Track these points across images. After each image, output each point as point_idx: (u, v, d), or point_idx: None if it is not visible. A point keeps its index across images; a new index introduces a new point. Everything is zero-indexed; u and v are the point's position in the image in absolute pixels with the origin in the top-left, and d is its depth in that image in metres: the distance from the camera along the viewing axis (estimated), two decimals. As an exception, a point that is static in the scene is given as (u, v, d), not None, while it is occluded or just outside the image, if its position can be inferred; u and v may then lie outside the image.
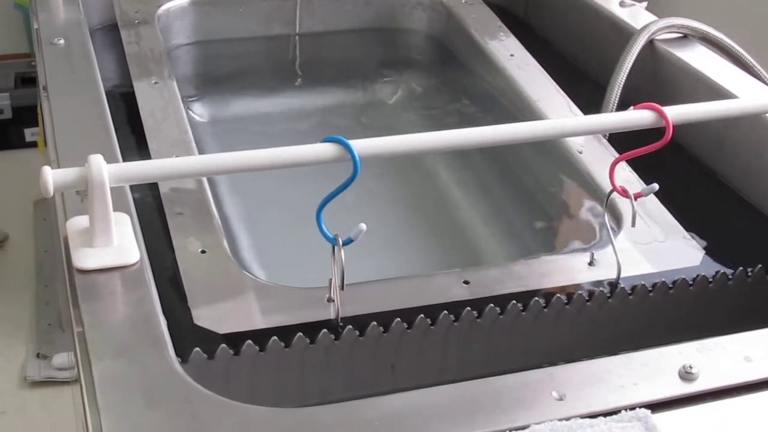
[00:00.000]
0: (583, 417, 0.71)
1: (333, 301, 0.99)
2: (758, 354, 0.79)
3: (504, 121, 1.40)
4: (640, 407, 0.73)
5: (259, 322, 0.96)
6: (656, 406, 0.74)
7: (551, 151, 1.25)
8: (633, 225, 1.03)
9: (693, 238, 1.10)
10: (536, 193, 1.30)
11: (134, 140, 1.23)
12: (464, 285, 1.03)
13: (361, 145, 0.91)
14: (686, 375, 0.76)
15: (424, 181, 1.35)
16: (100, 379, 0.75)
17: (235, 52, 1.55)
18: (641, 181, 1.16)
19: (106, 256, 0.86)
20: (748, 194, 1.20)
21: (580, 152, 1.24)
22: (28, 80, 3.06)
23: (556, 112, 1.31)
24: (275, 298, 0.99)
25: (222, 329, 0.95)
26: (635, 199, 1.02)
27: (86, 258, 0.85)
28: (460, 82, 1.55)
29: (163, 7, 1.48)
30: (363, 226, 0.93)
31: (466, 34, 1.52)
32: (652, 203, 1.13)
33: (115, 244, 0.87)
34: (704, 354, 0.79)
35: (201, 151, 1.23)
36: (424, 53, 1.64)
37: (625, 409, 0.72)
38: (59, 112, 1.10)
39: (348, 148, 0.90)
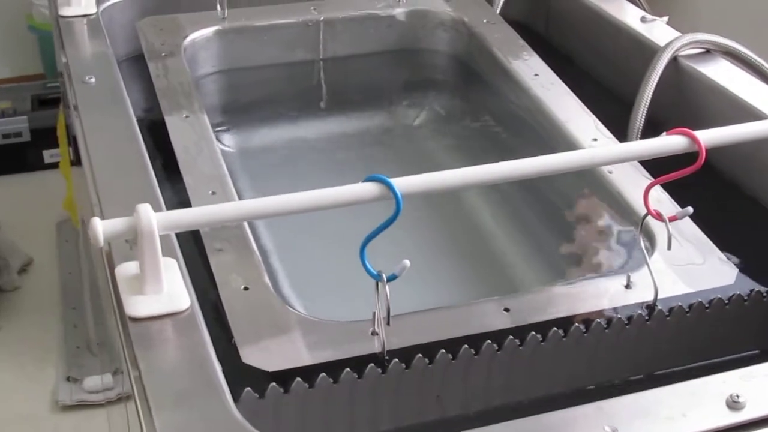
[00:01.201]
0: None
1: (377, 334, 1.00)
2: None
3: (533, 143, 1.44)
4: (692, 441, 0.75)
5: (306, 358, 0.98)
6: (706, 438, 0.75)
7: (582, 173, 1.27)
8: (669, 248, 1.05)
9: (727, 257, 1.12)
10: (567, 216, 1.31)
11: (168, 174, 1.24)
12: (504, 312, 1.04)
13: (403, 183, 0.92)
14: (734, 404, 0.78)
15: (454, 205, 1.37)
16: (162, 429, 0.76)
17: (261, 80, 1.57)
18: (672, 201, 1.17)
19: (158, 304, 0.87)
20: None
21: (611, 172, 1.25)
22: (45, 102, 3.09)
23: (584, 133, 1.32)
24: (320, 333, 1.01)
25: (270, 367, 0.96)
26: (670, 222, 1.04)
27: (138, 306, 0.87)
28: (484, 103, 1.57)
29: (189, 38, 1.50)
30: (407, 262, 0.94)
31: (489, 54, 1.53)
32: (685, 224, 1.14)
33: (165, 290, 0.89)
34: (748, 382, 0.81)
35: (233, 183, 1.24)
36: (447, 74, 1.65)
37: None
38: (98, 158, 1.12)
39: (390, 187, 0.92)
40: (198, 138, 1.28)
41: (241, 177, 1.41)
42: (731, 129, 1.02)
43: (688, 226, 1.14)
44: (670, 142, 1.00)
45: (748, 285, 1.09)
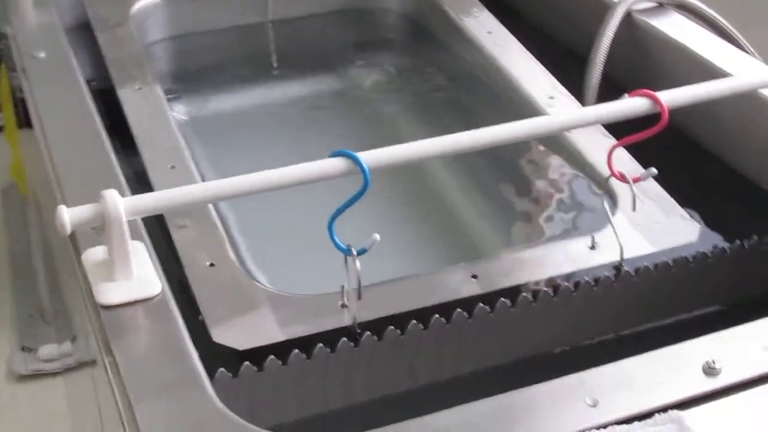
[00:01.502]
0: (618, 423, 0.74)
1: (347, 307, 1.00)
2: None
3: (488, 102, 1.44)
4: (671, 408, 0.75)
5: (278, 335, 0.97)
6: (685, 404, 0.76)
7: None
8: (634, 209, 1.05)
9: (690, 214, 1.13)
10: (529, 178, 1.31)
11: (125, 148, 1.22)
12: (472, 279, 1.05)
13: (370, 158, 0.92)
14: (710, 370, 0.79)
15: (416, 172, 1.36)
16: (143, 421, 0.76)
17: (211, 45, 1.54)
18: (634, 160, 1.17)
19: (129, 290, 0.86)
20: (738, 166, 1.22)
21: (570, 133, 1.25)
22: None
23: (540, 90, 1.32)
24: (289, 308, 1.00)
25: (242, 345, 0.96)
26: (634, 183, 1.04)
27: (109, 293, 0.86)
28: (437, 62, 1.56)
29: (137, 6, 1.47)
30: (377, 236, 0.94)
31: (441, 11, 1.52)
32: (647, 183, 1.15)
33: (135, 276, 0.87)
34: (723, 347, 0.82)
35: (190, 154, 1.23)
36: (398, 33, 1.64)
37: (658, 412, 0.74)
38: (55, 138, 1.10)
39: (357, 162, 0.91)
40: (152, 110, 1.26)
41: (197, 146, 1.39)
42: (692, 89, 1.03)
43: (650, 185, 1.15)
44: (632, 105, 1.01)
45: (711, 241, 1.11)
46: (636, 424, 0.73)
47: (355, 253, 0.95)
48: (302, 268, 1.19)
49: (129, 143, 1.22)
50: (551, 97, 1.31)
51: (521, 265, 1.07)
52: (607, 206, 1.08)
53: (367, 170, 0.91)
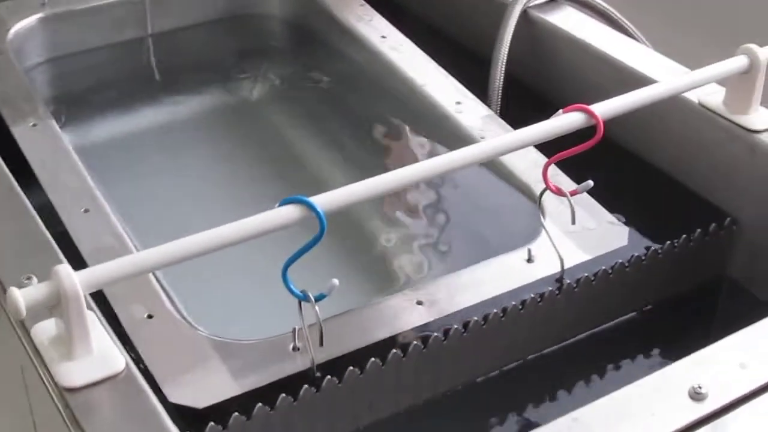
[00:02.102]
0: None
1: (298, 350, 0.98)
2: (749, 359, 0.84)
3: (391, 111, 1.42)
4: (666, 439, 0.76)
5: (234, 387, 0.94)
6: (679, 434, 0.78)
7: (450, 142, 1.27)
8: (573, 222, 1.06)
9: (618, 218, 1.14)
10: (458, 195, 1.30)
11: (29, 189, 1.15)
12: (419, 306, 1.04)
13: (324, 201, 0.89)
14: (696, 396, 0.80)
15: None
16: None
17: (92, 64, 1.47)
18: (560, 172, 1.18)
19: (92, 369, 0.81)
20: (658, 164, 1.24)
21: (482, 138, 1.25)
22: None
23: (445, 95, 1.31)
24: (239, 356, 0.97)
25: (199, 403, 0.92)
26: (571, 197, 1.05)
27: (71, 375, 0.80)
28: (330, 69, 1.52)
29: (12, 30, 1.38)
30: (335, 281, 0.92)
31: (328, 16, 1.49)
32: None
33: (96, 352, 0.82)
34: (702, 368, 0.83)
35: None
36: (283, 40, 1.59)
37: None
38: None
39: (311, 207, 0.88)
40: (52, 149, 1.19)
41: (93, 178, 1.33)
42: (624, 99, 1.03)
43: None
44: (568, 121, 1.00)
45: (643, 243, 1.13)
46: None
47: (313, 299, 0.92)
48: (240, 312, 1.15)
49: (33, 184, 1.15)
50: (458, 102, 1.30)
51: (464, 286, 1.06)
52: (542, 219, 1.08)
53: (322, 214, 0.88)
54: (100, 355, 0.83)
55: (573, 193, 1.05)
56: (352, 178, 1.32)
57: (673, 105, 1.16)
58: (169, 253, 0.85)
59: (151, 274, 1.04)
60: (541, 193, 1.07)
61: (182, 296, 1.06)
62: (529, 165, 1.20)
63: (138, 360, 0.95)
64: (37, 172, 1.15)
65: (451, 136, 1.27)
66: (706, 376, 0.82)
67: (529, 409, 1.06)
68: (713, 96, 1.16)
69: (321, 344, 0.95)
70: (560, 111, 1.02)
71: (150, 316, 1.00)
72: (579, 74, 1.35)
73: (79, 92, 1.46)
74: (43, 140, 1.20)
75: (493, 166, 1.21)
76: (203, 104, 1.52)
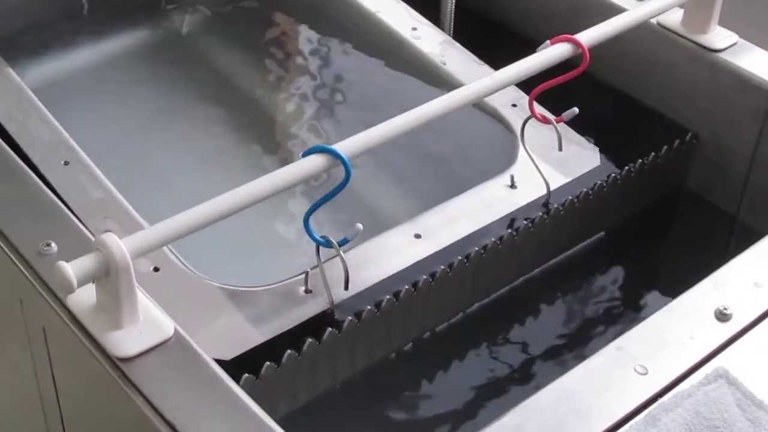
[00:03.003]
0: (669, 388, 0.79)
1: (310, 292, 0.99)
2: (762, 279, 0.90)
3: (344, 39, 1.41)
4: (706, 361, 0.82)
5: (256, 336, 0.95)
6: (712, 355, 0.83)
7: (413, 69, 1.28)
8: (560, 149, 1.09)
9: (588, 140, 1.18)
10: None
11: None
12: (417, 239, 1.06)
13: (348, 147, 0.90)
14: (722, 316, 0.85)
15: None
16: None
17: (22, 4, 1.40)
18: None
19: (143, 336, 0.80)
20: (621, 87, 1.28)
21: (444, 63, 1.27)
22: None
23: (400, 22, 1.32)
24: (253, 304, 0.98)
25: (227, 354, 0.93)
26: (557, 123, 1.08)
27: (123, 344, 0.79)
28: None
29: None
30: (359, 226, 0.93)
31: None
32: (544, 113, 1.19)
33: (142, 319, 0.82)
34: (720, 290, 0.88)
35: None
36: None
37: (701, 369, 0.80)
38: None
39: (337, 156, 0.89)
40: (17, 99, 1.15)
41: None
42: (607, 26, 1.06)
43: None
44: (555, 53, 1.03)
45: (611, 163, 1.17)
46: (693, 387, 0.79)
47: (336, 244, 0.94)
48: (242, 259, 1.15)
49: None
50: (414, 29, 1.31)
51: (456, 216, 1.09)
52: (523, 145, 1.11)
53: (348, 162, 0.89)
54: (147, 323, 0.82)
55: (559, 121, 1.08)
56: (309, 113, 1.31)
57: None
58: (204, 214, 0.84)
59: (146, 225, 1.03)
60: (525, 121, 1.10)
61: (182, 246, 1.06)
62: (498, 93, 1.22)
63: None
64: (6, 126, 1.11)
65: (413, 62, 1.28)
66: (726, 296, 0.87)
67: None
68: (672, 16, 1.20)
69: (346, 288, 0.97)
70: (548, 42, 1.04)
71: (156, 269, 1.00)
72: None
73: (14, 33, 1.39)
74: (4, 90, 1.16)
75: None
76: (135, 42, 1.48)
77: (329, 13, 1.40)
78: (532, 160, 1.11)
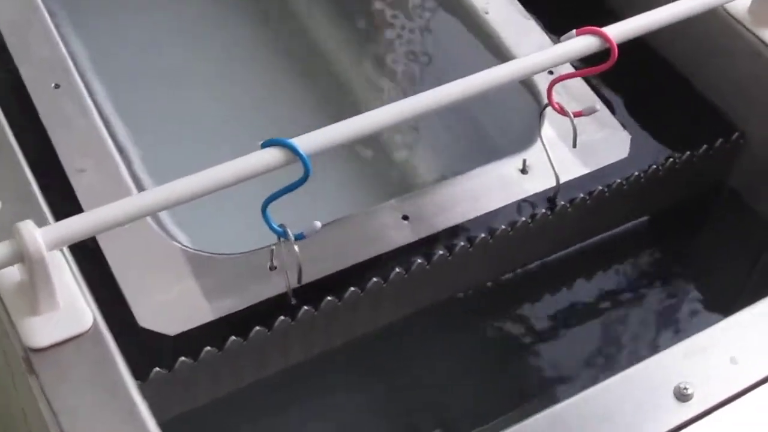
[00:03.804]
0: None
1: (275, 268, 0.94)
2: (741, 353, 0.80)
3: None
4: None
5: (207, 312, 0.91)
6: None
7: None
8: (574, 146, 1.00)
9: (621, 124, 1.08)
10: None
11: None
12: (404, 222, 0.99)
13: (308, 142, 0.83)
14: (682, 396, 0.77)
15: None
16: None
17: None
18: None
19: (58, 327, 0.77)
20: (677, 67, 1.16)
21: (486, 12, 1.16)
22: None
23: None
24: (217, 273, 0.94)
25: (171, 329, 0.90)
26: (575, 118, 0.98)
27: (35, 333, 0.76)
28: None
29: None
30: (318, 224, 0.87)
31: None
32: (578, 87, 1.09)
33: (62, 306, 0.78)
34: (689, 361, 0.80)
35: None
36: None
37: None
38: None
39: (295, 151, 0.82)
40: (23, 5, 1.10)
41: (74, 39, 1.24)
42: (640, 19, 0.94)
43: (584, 89, 1.09)
44: (579, 46, 0.92)
45: (643, 154, 1.07)
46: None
47: (292, 238, 0.88)
48: (223, 217, 1.10)
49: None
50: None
51: (452, 199, 1.01)
52: (541, 135, 1.02)
53: (307, 160, 0.82)
54: (67, 311, 0.78)
55: (577, 115, 0.98)
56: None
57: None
58: (138, 206, 0.79)
59: (124, 170, 0.99)
60: (543, 109, 1.01)
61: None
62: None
63: (110, 275, 0.92)
64: (4, 34, 1.07)
65: (454, 5, 1.18)
66: (693, 372, 0.79)
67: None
68: (739, 2, 1.06)
69: (299, 282, 0.91)
70: (573, 32, 0.94)
71: (122, 222, 0.96)
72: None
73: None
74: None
75: (500, 57, 1.13)
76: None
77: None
78: (546, 151, 1.01)
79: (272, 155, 0.82)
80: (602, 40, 0.92)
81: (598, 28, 0.92)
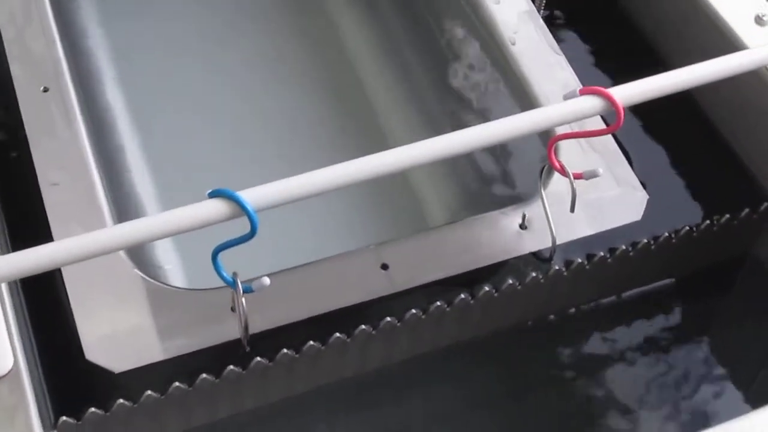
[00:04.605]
0: None
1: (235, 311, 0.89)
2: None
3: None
4: None
5: (158, 351, 0.87)
6: None
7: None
8: (572, 210, 0.92)
9: (642, 182, 0.99)
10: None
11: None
12: (382, 271, 0.93)
13: (258, 197, 0.76)
14: None
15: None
16: None
17: None
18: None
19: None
20: (714, 122, 1.07)
21: (513, 43, 1.08)
22: None
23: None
24: (174, 308, 0.89)
25: (116, 366, 0.86)
26: (575, 180, 0.90)
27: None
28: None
29: None
30: (266, 280, 0.81)
31: None
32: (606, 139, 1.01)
33: (-15, 345, 0.75)
34: None
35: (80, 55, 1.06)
36: None
37: None
38: None
39: (240, 204, 0.76)
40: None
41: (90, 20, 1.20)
42: (652, 81, 0.85)
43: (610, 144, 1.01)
44: (582, 107, 0.84)
45: (658, 218, 0.98)
46: None
47: (240, 288, 0.82)
48: (194, 243, 1.05)
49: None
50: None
51: (440, 249, 0.94)
52: (543, 194, 0.94)
53: (254, 216, 0.76)
54: (-13, 351, 0.75)
55: (577, 177, 0.90)
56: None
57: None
58: (89, 246, 0.74)
59: (99, 188, 0.95)
60: (542, 169, 0.93)
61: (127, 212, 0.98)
62: (557, 92, 1.03)
63: (65, 299, 0.89)
64: (3, 31, 1.03)
65: (481, 30, 1.10)
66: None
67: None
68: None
69: (246, 346, 0.86)
70: (576, 90, 0.85)
71: (85, 242, 0.92)
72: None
73: None
74: (16, -13, 1.07)
75: (518, 92, 1.05)
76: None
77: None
78: (545, 208, 0.93)
79: (216, 208, 0.76)
80: (607, 102, 0.84)
81: (603, 89, 0.84)
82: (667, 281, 1.04)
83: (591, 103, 0.84)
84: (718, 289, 1.06)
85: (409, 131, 1.19)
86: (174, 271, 1.08)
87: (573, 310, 1.02)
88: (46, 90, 1.00)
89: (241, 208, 0.76)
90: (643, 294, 1.03)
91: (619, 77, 1.10)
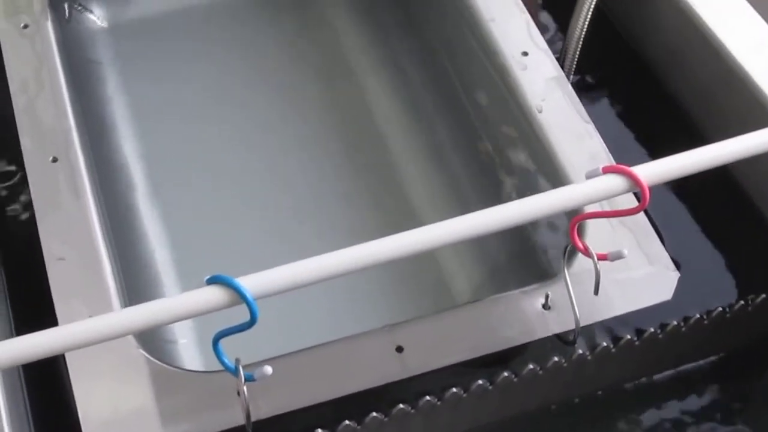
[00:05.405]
0: None
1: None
2: None
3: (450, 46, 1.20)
4: None
5: (159, 439, 0.83)
6: None
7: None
8: (596, 293, 0.87)
9: (674, 260, 0.94)
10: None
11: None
12: (397, 354, 0.88)
13: (255, 284, 0.73)
14: None
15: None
16: None
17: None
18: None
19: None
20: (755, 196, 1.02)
21: (540, 110, 1.04)
22: None
23: (513, 40, 1.09)
24: (178, 392, 0.86)
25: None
26: (599, 262, 0.86)
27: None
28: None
29: None
30: (269, 369, 0.77)
31: None
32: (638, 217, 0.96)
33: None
34: None
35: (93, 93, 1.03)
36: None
37: None
38: None
39: (239, 292, 0.72)
40: (39, 63, 1.04)
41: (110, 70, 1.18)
42: (679, 159, 0.80)
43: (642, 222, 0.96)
44: (604, 186, 0.79)
45: (691, 298, 0.93)
46: None
47: (243, 377, 0.78)
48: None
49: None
50: (525, 53, 1.08)
51: (458, 331, 0.90)
52: (566, 274, 0.89)
53: (254, 305, 0.72)
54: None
55: (601, 258, 0.85)
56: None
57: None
58: (79, 335, 0.71)
59: (107, 265, 0.92)
60: (565, 249, 0.89)
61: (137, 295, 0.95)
62: (585, 164, 0.99)
63: (66, 377, 0.85)
64: (13, 97, 1.01)
65: (506, 99, 1.06)
66: None
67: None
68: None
69: (248, 424, 0.82)
70: (599, 168, 0.81)
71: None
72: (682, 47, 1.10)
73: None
74: (30, 49, 1.05)
75: (544, 164, 1.01)
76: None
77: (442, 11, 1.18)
78: (569, 289, 0.88)
79: (215, 295, 0.72)
80: (631, 182, 0.79)
81: (627, 168, 0.79)
82: (700, 362, 0.99)
83: (615, 182, 0.79)
84: (754, 370, 1.00)
85: (435, 207, 1.16)
86: (188, 345, 1.05)
87: (600, 392, 0.97)
88: (55, 160, 0.97)
89: (239, 296, 0.72)
90: (674, 375, 0.98)
91: (651, 144, 1.07)
